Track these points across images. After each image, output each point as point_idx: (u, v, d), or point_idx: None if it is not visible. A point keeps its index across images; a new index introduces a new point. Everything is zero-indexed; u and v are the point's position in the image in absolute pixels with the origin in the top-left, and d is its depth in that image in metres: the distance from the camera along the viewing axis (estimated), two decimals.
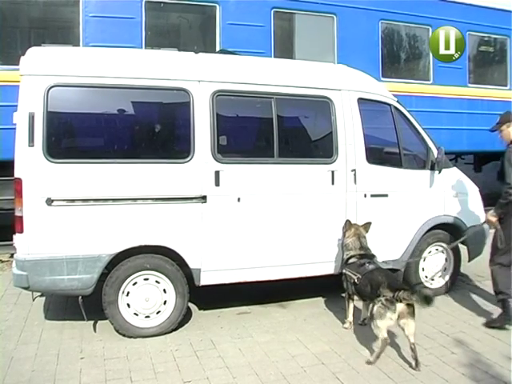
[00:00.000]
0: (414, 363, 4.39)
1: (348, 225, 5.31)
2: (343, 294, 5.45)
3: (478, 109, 10.46)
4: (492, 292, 5.66)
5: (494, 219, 5.37)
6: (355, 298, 5.18)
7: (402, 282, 5.11)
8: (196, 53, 5.43)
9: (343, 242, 5.30)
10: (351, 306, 5.25)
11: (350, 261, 5.14)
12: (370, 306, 4.62)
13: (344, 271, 5.17)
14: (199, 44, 8.41)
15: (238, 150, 5.45)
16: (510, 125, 5.59)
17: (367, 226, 5.35)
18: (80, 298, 4.78)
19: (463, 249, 6.39)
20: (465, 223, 6.23)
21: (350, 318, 5.25)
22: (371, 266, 4.94)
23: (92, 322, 5.07)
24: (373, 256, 5.19)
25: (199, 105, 4.99)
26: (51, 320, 5.32)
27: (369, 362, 4.44)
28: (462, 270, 6.60)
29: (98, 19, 7.43)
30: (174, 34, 8.69)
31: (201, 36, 8.92)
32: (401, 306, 4.35)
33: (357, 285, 4.93)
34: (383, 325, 4.41)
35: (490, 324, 5.34)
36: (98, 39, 7.22)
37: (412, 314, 4.38)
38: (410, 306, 4.38)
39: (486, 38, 11.14)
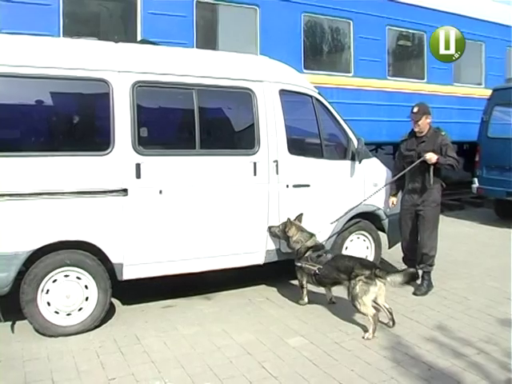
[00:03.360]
0: (391, 323, 5.03)
1: (289, 224, 5.49)
2: (293, 282, 5.71)
3: (397, 101, 10.80)
4: None
5: (434, 160, 5.76)
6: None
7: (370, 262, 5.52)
8: (116, 42, 5.29)
9: (291, 240, 5.49)
10: (305, 291, 5.55)
11: (306, 254, 5.39)
12: (349, 287, 4.95)
13: (300, 264, 5.42)
14: (120, 33, 8.19)
15: (159, 142, 5.36)
16: (428, 117, 5.92)
17: (300, 217, 5.62)
18: None
19: (383, 236, 6.61)
20: (384, 212, 6.45)
21: (306, 299, 5.57)
22: (329, 255, 5.34)
23: (10, 323, 4.86)
24: (323, 246, 5.54)
25: (119, 96, 4.87)
26: None
27: (367, 338, 4.76)
28: (383, 256, 6.84)
29: (12, 4, 7.05)
30: (94, 22, 8.39)
31: (121, 25, 8.71)
32: (379, 281, 4.88)
33: (318, 275, 5.26)
34: (368, 300, 4.86)
35: (417, 293, 5.99)
36: (11, 26, 6.83)
37: (384, 286, 4.95)
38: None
39: (404, 33, 11.52)
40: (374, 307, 4.91)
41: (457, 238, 6.90)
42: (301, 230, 5.51)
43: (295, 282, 6.07)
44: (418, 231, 6.10)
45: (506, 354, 4.44)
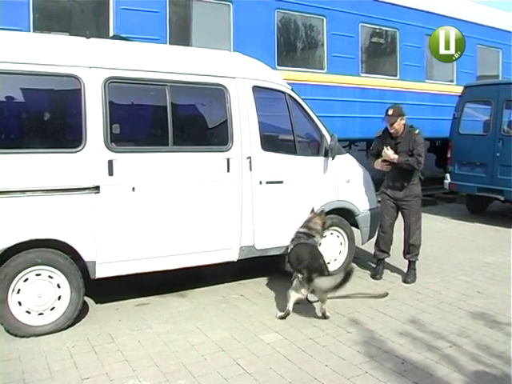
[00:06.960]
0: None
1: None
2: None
3: (370, 97, 10.89)
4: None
5: (391, 157, 6.05)
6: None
7: (321, 264, 5.20)
8: (88, 38, 5.21)
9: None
10: None
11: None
12: (292, 276, 5.12)
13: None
14: (92, 29, 8.09)
15: (131, 139, 5.32)
16: (403, 118, 6.05)
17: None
18: None
19: (357, 232, 6.64)
20: (358, 208, 6.49)
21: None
22: (302, 240, 5.37)
23: None
24: (311, 235, 5.46)
25: (91, 92, 4.80)
26: None
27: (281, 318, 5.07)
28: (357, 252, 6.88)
29: None
30: (65, 17, 8.26)
31: (93, 21, 8.59)
32: (315, 284, 4.96)
33: (288, 254, 5.39)
34: (294, 297, 5.05)
35: (408, 280, 6.27)
36: None
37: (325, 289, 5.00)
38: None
39: (377, 30, 11.60)
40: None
41: (429, 233, 7.00)
42: (309, 220, 5.64)
43: (269, 279, 6.12)
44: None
45: (477, 347, 4.53)
